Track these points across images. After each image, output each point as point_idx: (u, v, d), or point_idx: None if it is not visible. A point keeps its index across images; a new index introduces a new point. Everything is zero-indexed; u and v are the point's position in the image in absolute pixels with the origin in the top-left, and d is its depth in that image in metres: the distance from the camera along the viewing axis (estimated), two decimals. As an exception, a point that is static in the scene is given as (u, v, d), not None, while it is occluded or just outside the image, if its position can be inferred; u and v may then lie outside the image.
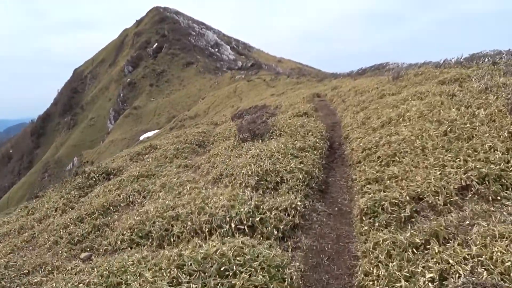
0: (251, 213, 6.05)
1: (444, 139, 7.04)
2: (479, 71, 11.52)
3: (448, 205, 5.23)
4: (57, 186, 12.68)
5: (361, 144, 9.07)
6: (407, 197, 5.56)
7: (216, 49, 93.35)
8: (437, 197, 5.40)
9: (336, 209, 7.00)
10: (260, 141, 10.86)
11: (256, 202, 6.35)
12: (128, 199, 9.03)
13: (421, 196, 5.56)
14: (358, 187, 7.07)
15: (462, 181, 5.48)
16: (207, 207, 6.52)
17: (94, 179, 11.99)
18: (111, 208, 8.79)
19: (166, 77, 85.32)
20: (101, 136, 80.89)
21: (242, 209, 6.11)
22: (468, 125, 7.22)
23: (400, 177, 6.33)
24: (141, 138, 61.66)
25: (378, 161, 7.57)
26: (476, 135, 6.77)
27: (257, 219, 5.92)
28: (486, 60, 13.81)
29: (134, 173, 10.87)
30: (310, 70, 76.75)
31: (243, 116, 16.67)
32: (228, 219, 6.01)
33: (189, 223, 6.28)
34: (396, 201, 5.56)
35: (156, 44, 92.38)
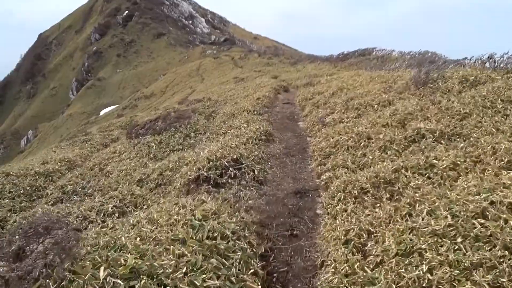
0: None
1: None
2: None
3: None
4: None
5: None
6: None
7: (190, 21, 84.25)
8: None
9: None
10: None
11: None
12: None
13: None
14: None
15: None
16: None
17: None
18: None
19: (134, 48, 76.29)
20: (62, 107, 71.86)
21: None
22: None
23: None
24: (102, 113, 53.77)
25: None
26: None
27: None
28: None
29: None
30: (286, 50, 69.05)
31: (145, 130, 9.41)
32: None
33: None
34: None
35: (127, 12, 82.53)
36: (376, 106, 7.85)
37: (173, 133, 8.93)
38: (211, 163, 5.85)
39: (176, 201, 4.51)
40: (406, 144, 5.55)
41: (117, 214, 5.04)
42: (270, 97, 12.41)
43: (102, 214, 5.00)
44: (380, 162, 5.18)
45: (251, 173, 5.77)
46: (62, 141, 13.08)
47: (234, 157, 5.95)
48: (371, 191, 4.42)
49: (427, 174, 4.38)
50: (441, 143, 5.22)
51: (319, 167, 5.97)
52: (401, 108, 6.91)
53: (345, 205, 4.40)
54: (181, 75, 41.45)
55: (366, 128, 6.57)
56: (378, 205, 4.15)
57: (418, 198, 3.82)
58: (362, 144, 6.08)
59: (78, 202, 5.99)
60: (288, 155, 7.14)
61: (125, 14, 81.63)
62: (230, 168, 5.77)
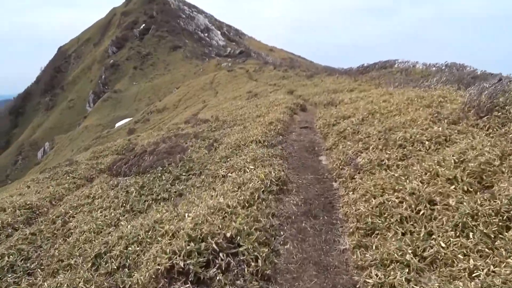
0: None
1: None
2: None
3: None
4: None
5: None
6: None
7: (206, 34, 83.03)
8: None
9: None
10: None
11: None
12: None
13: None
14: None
15: None
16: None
17: None
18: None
19: (151, 60, 75.24)
20: (79, 119, 71.03)
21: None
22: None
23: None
24: (117, 125, 52.58)
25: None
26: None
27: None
28: None
29: None
30: (302, 62, 67.07)
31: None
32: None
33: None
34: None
35: (144, 25, 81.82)
36: (427, 143, 5.64)
37: (159, 174, 6.86)
38: (192, 244, 3.74)
39: None
40: (500, 223, 3.36)
41: None
42: (284, 120, 10.26)
43: None
44: (459, 259, 3.00)
45: (253, 263, 3.64)
46: (44, 171, 11.14)
47: (228, 234, 3.82)
48: None
49: None
50: None
51: (357, 252, 3.79)
52: (470, 152, 4.70)
53: None
54: (194, 89, 39.67)
55: (423, 183, 4.39)
56: None
57: None
58: (423, 213, 3.90)
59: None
60: (308, 215, 4.97)
61: (142, 27, 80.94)
62: (221, 254, 3.65)
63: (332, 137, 8.02)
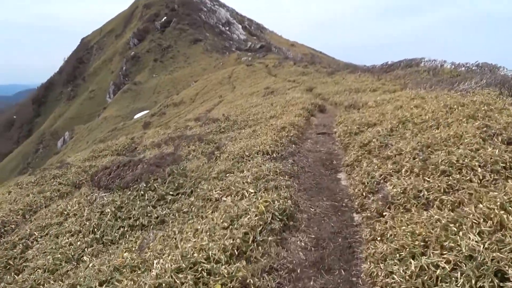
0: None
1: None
2: None
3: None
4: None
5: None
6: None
7: (227, 28, 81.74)
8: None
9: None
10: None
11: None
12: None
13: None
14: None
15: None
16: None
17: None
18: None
19: (171, 53, 74.47)
20: (99, 110, 70.98)
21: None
22: None
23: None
24: (136, 116, 52.12)
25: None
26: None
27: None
28: None
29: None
30: (323, 58, 65.21)
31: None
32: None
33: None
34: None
35: (165, 17, 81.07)
36: (480, 170, 4.24)
37: (142, 192, 5.64)
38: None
39: None
40: None
41: None
42: (299, 125, 8.92)
43: None
44: None
45: None
46: (33, 173, 10.10)
47: None
48: None
49: None
50: None
51: None
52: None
53: None
54: (212, 83, 38.49)
55: (483, 239, 3.03)
56: None
57: None
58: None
59: None
60: (320, 267, 3.67)
61: (163, 20, 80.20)
62: None
63: (354, 149, 6.64)
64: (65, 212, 5.93)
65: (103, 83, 76.68)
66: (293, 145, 7.44)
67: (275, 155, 6.60)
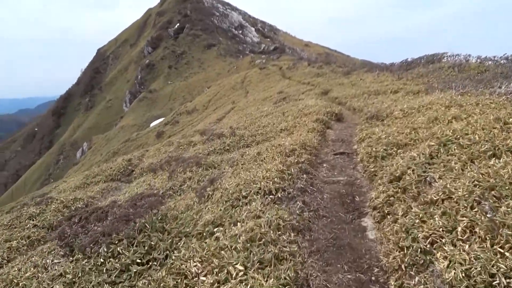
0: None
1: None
2: None
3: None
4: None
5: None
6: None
7: (240, 31, 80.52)
8: None
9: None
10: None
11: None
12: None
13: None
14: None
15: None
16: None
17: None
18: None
19: (185, 59, 73.69)
20: (116, 119, 70.77)
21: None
22: None
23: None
24: (152, 125, 51.37)
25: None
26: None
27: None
28: None
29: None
30: (338, 56, 63.11)
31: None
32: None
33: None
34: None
35: (178, 24, 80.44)
36: None
37: (102, 260, 4.17)
38: None
39: None
40: None
41: None
42: (312, 145, 7.36)
43: None
44: None
45: None
46: (11, 210, 8.80)
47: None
48: None
49: None
50: None
51: None
52: None
53: None
54: (225, 88, 37.14)
55: None
56: None
57: None
58: None
59: None
60: None
61: (176, 26, 79.58)
62: None
63: (383, 184, 5.03)
64: (14, 282, 4.53)
65: (119, 92, 76.52)
66: (304, 175, 5.88)
67: (279, 195, 5.06)
